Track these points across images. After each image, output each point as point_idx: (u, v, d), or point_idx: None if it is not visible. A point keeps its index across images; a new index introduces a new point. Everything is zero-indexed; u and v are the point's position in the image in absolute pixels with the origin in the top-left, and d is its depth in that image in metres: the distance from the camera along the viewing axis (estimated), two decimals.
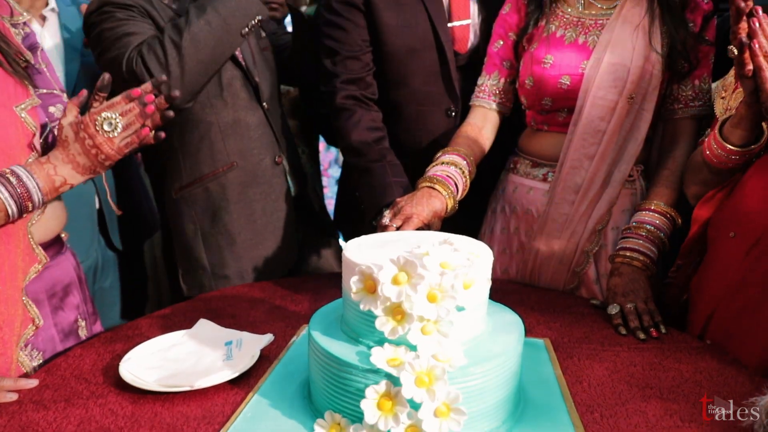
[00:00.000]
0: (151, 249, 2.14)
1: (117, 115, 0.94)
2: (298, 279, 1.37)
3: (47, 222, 1.03)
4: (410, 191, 1.23)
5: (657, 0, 1.19)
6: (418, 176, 1.25)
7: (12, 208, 0.89)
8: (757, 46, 0.88)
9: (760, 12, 0.89)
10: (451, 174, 1.21)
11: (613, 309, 1.10)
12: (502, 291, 1.12)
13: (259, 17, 1.28)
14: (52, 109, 1.06)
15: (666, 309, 1.16)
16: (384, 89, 1.41)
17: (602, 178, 1.24)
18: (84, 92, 0.99)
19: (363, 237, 0.88)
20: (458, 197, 1.22)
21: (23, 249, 0.97)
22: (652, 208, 1.20)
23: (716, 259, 1.10)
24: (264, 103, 1.45)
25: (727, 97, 1.14)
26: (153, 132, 1.00)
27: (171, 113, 1.00)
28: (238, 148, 1.41)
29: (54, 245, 1.07)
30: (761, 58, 0.88)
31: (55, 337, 1.05)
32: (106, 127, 0.94)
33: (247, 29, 1.28)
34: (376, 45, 1.38)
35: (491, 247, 1.36)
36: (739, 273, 1.02)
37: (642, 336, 1.03)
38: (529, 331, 1.03)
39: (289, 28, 1.75)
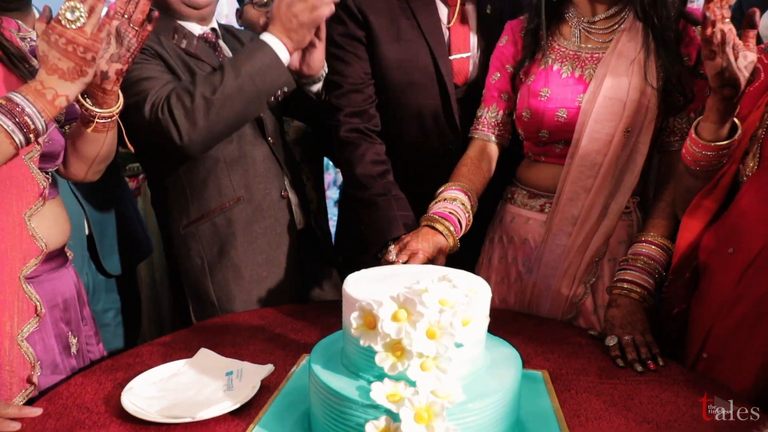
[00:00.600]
0: (150, 271, 2.15)
1: (77, 2, 0.89)
2: (298, 307, 1.38)
3: (48, 226, 1.05)
4: (415, 225, 1.25)
5: (652, 35, 1.21)
6: (420, 207, 1.27)
7: (18, 136, 0.88)
8: (719, 16, 0.92)
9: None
10: (453, 211, 1.23)
11: (611, 341, 1.11)
12: (500, 320, 1.14)
13: (286, 89, 1.33)
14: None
15: (663, 331, 1.17)
16: (385, 121, 1.43)
17: (599, 210, 1.26)
18: (46, 7, 0.98)
19: (363, 271, 0.89)
20: (461, 233, 1.24)
21: (19, 236, 0.99)
22: (649, 239, 1.22)
23: (713, 277, 1.11)
24: (269, 138, 1.47)
25: None
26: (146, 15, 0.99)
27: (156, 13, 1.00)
28: (244, 182, 1.43)
29: (58, 257, 1.09)
30: (715, 40, 0.93)
31: (55, 348, 1.06)
32: (69, 16, 0.89)
33: (273, 99, 1.32)
34: (378, 78, 1.41)
35: (489, 277, 1.41)
36: (736, 290, 1.03)
37: (639, 368, 1.04)
38: (527, 363, 1.05)
39: None
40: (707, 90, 1.26)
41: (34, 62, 1.06)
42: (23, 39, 1.10)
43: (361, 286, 0.82)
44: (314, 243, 1.61)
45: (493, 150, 1.38)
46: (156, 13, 1.01)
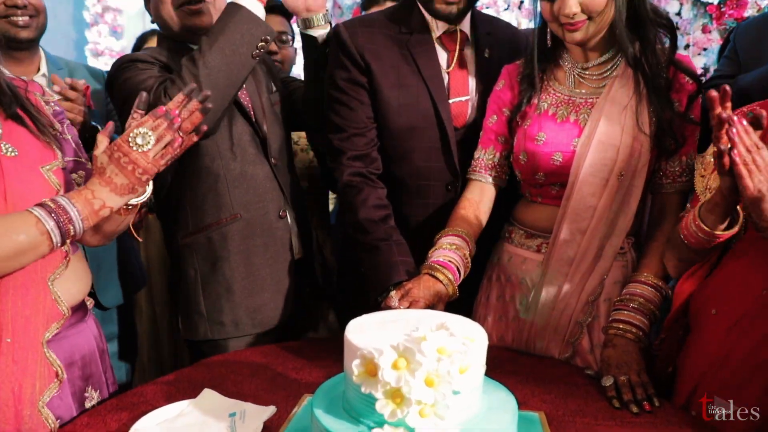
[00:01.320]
0: (150, 305, 2.17)
1: (148, 130, 0.97)
2: (297, 344, 1.41)
3: (71, 284, 1.06)
4: (415, 271, 1.28)
5: (643, 81, 1.25)
6: (420, 248, 1.30)
7: (56, 237, 0.93)
8: (736, 153, 0.91)
9: (737, 119, 0.92)
10: (452, 259, 1.26)
11: (607, 381, 1.13)
12: (498, 359, 1.16)
13: (268, 37, 1.35)
14: (74, 176, 1.11)
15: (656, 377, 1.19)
16: (386, 164, 1.47)
17: (594, 252, 1.28)
18: (111, 123, 1.06)
19: (365, 316, 0.92)
20: (460, 280, 1.27)
21: (42, 300, 1.00)
22: (643, 280, 1.24)
23: (699, 334, 1.14)
24: (272, 158, 1.51)
25: (706, 176, 1.20)
26: (194, 131, 1.04)
27: (209, 105, 1.05)
28: (243, 200, 1.47)
29: (78, 311, 1.10)
30: (741, 166, 0.92)
31: (72, 406, 1.06)
32: (139, 141, 0.97)
33: (257, 51, 1.34)
34: (379, 122, 1.45)
35: (487, 315, 1.43)
36: (722, 350, 1.05)
37: (635, 410, 1.06)
38: (524, 404, 1.06)
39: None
40: (697, 134, 1.31)
41: (58, 126, 1.11)
42: (47, 103, 1.13)
43: (363, 332, 0.84)
44: (312, 276, 1.64)
45: (491, 191, 1.41)
46: (204, 128, 1.06)
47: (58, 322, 1.03)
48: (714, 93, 0.94)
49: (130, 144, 0.97)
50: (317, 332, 1.65)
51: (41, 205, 0.93)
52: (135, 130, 0.97)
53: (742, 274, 1.05)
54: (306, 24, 1.48)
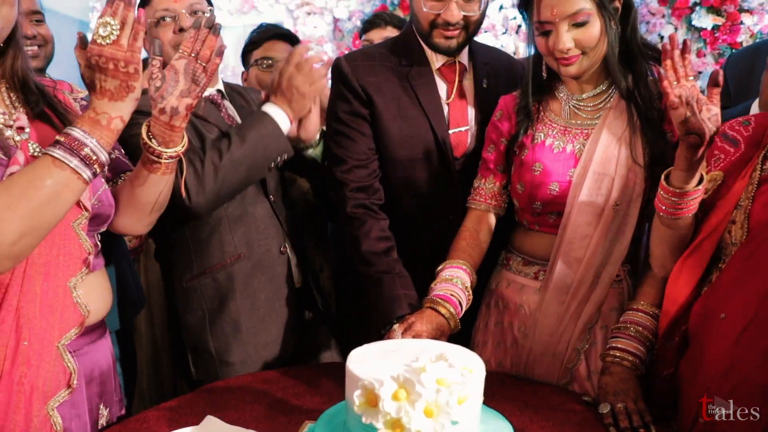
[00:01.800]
0: (150, 328, 2.18)
1: (108, 17, 0.91)
2: (297, 369, 1.41)
3: (96, 296, 1.08)
4: (418, 305, 1.31)
5: (636, 113, 1.29)
6: (422, 276, 1.32)
7: (84, 170, 0.91)
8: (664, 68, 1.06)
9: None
10: (454, 293, 1.29)
11: (604, 408, 1.14)
12: (497, 385, 1.17)
13: (286, 155, 1.44)
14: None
15: (656, 393, 1.20)
16: (389, 194, 1.49)
17: (591, 280, 1.31)
18: (80, 33, 1.03)
19: (366, 346, 0.94)
20: (462, 313, 1.30)
21: (62, 303, 1.01)
22: (640, 308, 1.26)
23: (705, 341, 1.13)
24: (270, 196, 1.54)
25: None
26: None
27: (219, 24, 1.03)
28: (245, 239, 1.49)
29: (98, 329, 1.12)
30: (665, 82, 1.06)
31: (88, 424, 1.08)
32: (102, 32, 0.91)
33: (273, 164, 1.43)
34: (381, 153, 1.48)
35: (486, 341, 1.45)
36: (734, 354, 1.05)
37: None
38: (521, 431, 1.08)
39: None
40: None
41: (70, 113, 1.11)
42: (75, 100, 1.15)
43: (364, 362, 0.86)
44: (312, 302, 1.65)
45: (491, 219, 1.44)
46: (224, 47, 1.06)
47: (77, 327, 1.03)
48: (665, 44, 1.08)
49: (98, 41, 0.91)
50: (317, 358, 1.66)
51: (53, 143, 0.91)
52: (96, 23, 0.92)
53: (748, 277, 1.06)
54: (301, 147, 1.54)
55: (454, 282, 1.31)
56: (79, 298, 1.03)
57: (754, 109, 1.40)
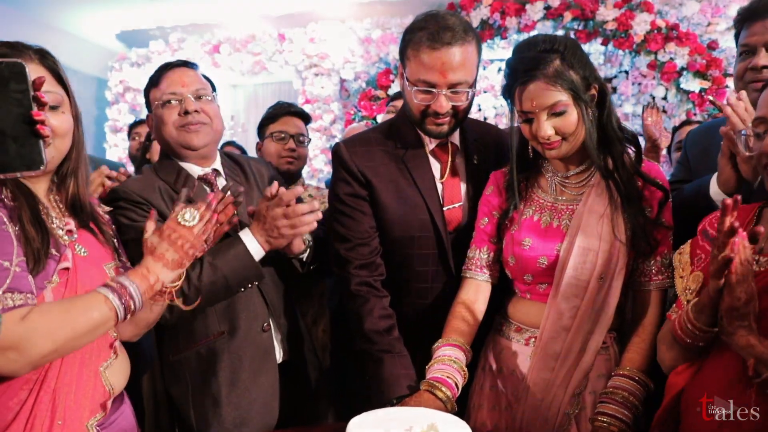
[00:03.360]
0: (152, 384, 2.24)
1: (193, 209, 1.19)
2: (296, 430, 1.47)
3: (118, 372, 1.19)
4: (416, 385, 1.38)
5: (616, 191, 1.38)
6: (420, 341, 1.40)
7: (121, 312, 1.07)
8: (734, 263, 0.99)
9: (741, 231, 0.99)
10: (451, 375, 1.36)
11: None
12: None
13: (256, 282, 1.54)
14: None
15: None
16: (387, 269, 1.59)
17: (579, 347, 1.38)
18: (153, 211, 1.24)
19: (364, 415, 1.02)
20: (458, 393, 1.37)
21: (92, 388, 1.12)
22: (626, 374, 1.33)
23: (692, 426, 1.15)
24: None
25: (685, 277, 1.30)
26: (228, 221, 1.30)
27: (241, 199, 1.32)
28: (229, 317, 1.57)
29: (119, 396, 1.22)
30: (733, 276, 0.99)
31: None
32: (187, 217, 1.17)
33: (243, 288, 1.53)
34: (380, 231, 1.58)
35: (482, 403, 1.51)
36: None
37: None
38: None
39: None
40: (670, 236, 1.43)
41: (112, 231, 1.29)
42: (99, 206, 1.33)
43: (362, 430, 0.95)
44: (298, 374, 1.70)
45: (486, 289, 1.52)
46: (236, 219, 1.27)
47: (103, 411, 1.14)
48: (728, 201, 1.03)
49: (179, 220, 1.17)
50: (315, 412, 1.71)
51: (106, 285, 1.07)
52: (183, 209, 1.18)
53: (726, 364, 1.10)
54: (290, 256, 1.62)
55: (450, 363, 1.38)
56: (107, 379, 1.15)
57: (713, 185, 1.49)
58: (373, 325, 1.48)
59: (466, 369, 1.40)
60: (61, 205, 1.18)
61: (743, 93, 1.44)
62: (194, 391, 1.56)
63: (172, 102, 1.58)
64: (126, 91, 6.14)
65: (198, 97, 1.59)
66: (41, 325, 0.97)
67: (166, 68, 1.64)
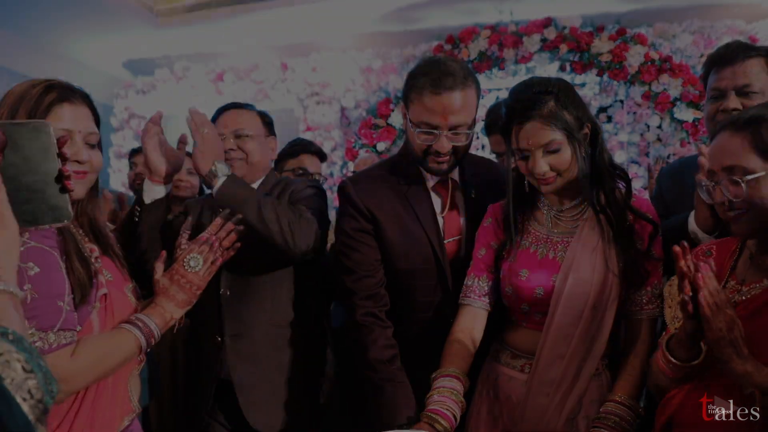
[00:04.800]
0: (158, 405, 2.29)
1: (196, 255, 1.30)
2: None
3: (136, 389, 1.28)
4: (415, 416, 1.44)
5: (608, 225, 1.44)
6: (421, 370, 1.46)
7: (144, 347, 1.21)
8: (702, 295, 1.03)
9: (702, 265, 1.03)
10: (449, 407, 1.40)
11: None
12: None
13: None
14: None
15: None
16: (391, 299, 1.65)
17: (573, 374, 1.44)
18: (163, 253, 1.34)
19: None
20: (456, 424, 1.42)
21: (120, 398, 1.22)
22: (618, 400, 1.39)
23: None
24: (222, 288, 1.74)
25: (673, 307, 1.37)
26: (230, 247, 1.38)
27: (241, 227, 1.39)
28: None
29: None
30: (706, 308, 1.02)
31: None
32: (192, 264, 1.30)
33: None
34: (384, 263, 1.64)
35: (479, 428, 1.56)
36: None
37: None
38: None
39: None
40: (660, 267, 1.49)
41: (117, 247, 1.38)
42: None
43: None
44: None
45: (483, 316, 1.58)
46: (239, 245, 1.36)
47: (129, 416, 1.24)
48: (677, 248, 1.08)
49: (185, 267, 1.30)
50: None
51: (131, 323, 1.20)
52: (188, 256, 1.30)
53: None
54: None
55: (448, 395, 1.42)
56: (131, 390, 1.25)
57: (691, 222, 1.54)
58: (377, 354, 1.54)
59: (463, 399, 1.45)
60: (81, 231, 1.26)
61: None
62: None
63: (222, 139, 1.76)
64: (131, 118, 6.24)
65: (237, 136, 1.79)
66: (86, 362, 1.10)
67: (221, 111, 1.88)
